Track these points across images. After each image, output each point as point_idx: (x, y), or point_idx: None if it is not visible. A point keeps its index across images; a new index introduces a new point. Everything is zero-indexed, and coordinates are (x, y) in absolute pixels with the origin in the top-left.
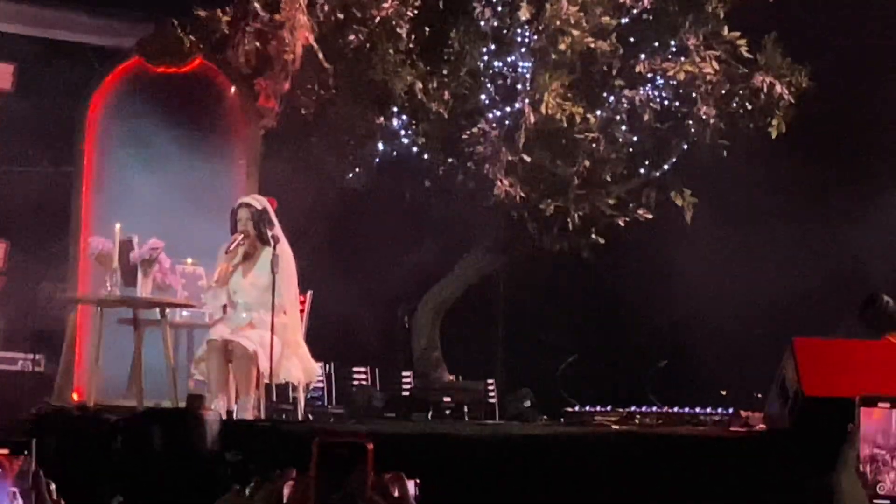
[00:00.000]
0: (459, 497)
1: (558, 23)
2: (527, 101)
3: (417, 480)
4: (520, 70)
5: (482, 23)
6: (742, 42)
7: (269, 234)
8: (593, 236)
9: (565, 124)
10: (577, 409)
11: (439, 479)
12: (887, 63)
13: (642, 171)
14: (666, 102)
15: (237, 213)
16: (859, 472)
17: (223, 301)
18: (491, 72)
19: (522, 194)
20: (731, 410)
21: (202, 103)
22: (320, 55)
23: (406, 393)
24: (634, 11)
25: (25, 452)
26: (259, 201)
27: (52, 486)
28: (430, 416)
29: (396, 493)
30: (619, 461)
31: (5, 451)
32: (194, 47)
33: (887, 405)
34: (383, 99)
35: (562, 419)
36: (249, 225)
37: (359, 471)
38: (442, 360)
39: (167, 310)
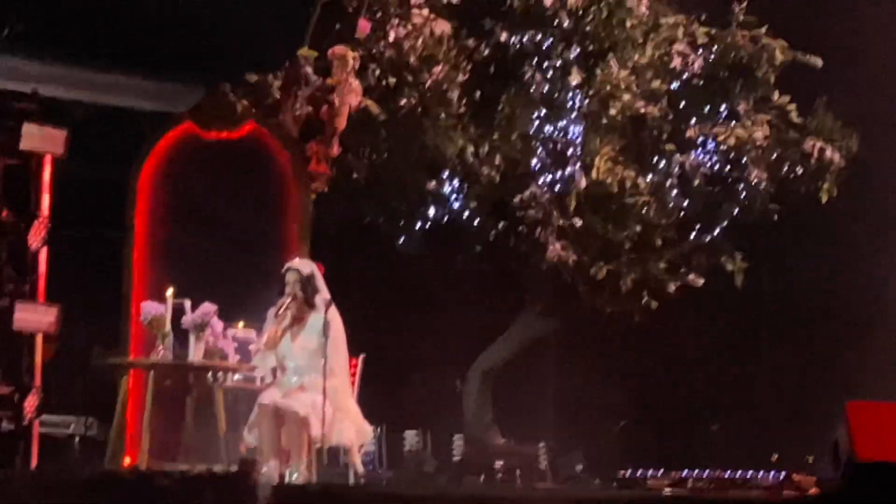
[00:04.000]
0: None
1: (609, 87)
2: (578, 165)
3: None
4: (570, 134)
5: (533, 87)
6: (792, 107)
7: (316, 298)
8: (645, 300)
9: (616, 188)
10: (629, 472)
11: None
12: None
13: (693, 235)
14: (716, 167)
15: (285, 276)
16: None
17: (272, 364)
18: (542, 136)
19: (574, 258)
20: (783, 475)
21: (254, 168)
22: (375, 109)
23: (458, 457)
24: (685, 76)
25: None
26: (307, 265)
27: None
28: (482, 480)
29: None
30: None
31: None
32: (246, 112)
33: None
34: (434, 163)
35: (614, 483)
36: (297, 288)
37: None
38: (494, 424)
39: (219, 374)
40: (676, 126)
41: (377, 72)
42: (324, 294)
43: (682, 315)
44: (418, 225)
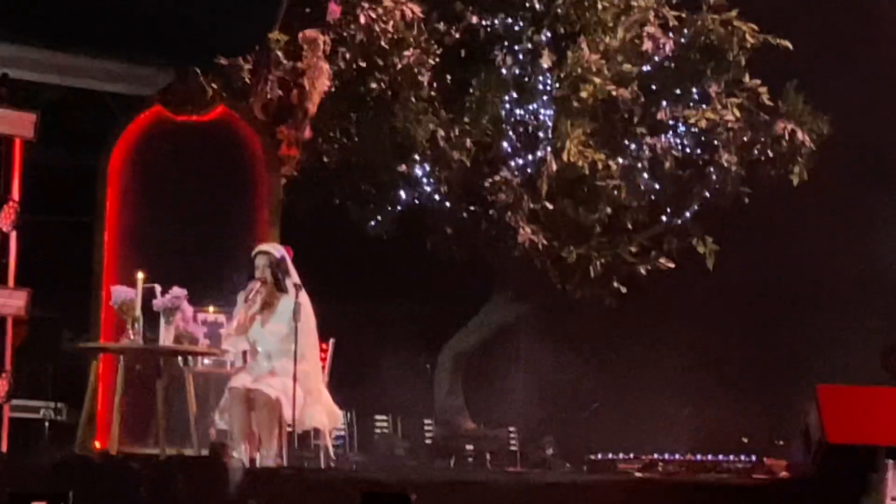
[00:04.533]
0: None
1: (580, 70)
2: (549, 148)
3: None
4: (541, 118)
5: (504, 70)
6: (763, 89)
7: (287, 282)
8: (615, 284)
9: (587, 172)
10: (600, 456)
11: None
12: None
13: (664, 218)
14: (687, 150)
15: (255, 260)
16: None
17: (243, 348)
18: (513, 119)
19: (544, 242)
20: (753, 458)
21: (224, 151)
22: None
23: (428, 441)
24: (656, 59)
25: None
26: (277, 249)
27: None
28: (452, 464)
29: None
30: None
31: None
32: (216, 95)
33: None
34: (405, 147)
35: (585, 467)
36: (267, 273)
37: None
38: (464, 408)
39: (189, 358)
40: (647, 109)
41: (347, 55)
42: (294, 278)
43: (652, 298)
44: (389, 209)
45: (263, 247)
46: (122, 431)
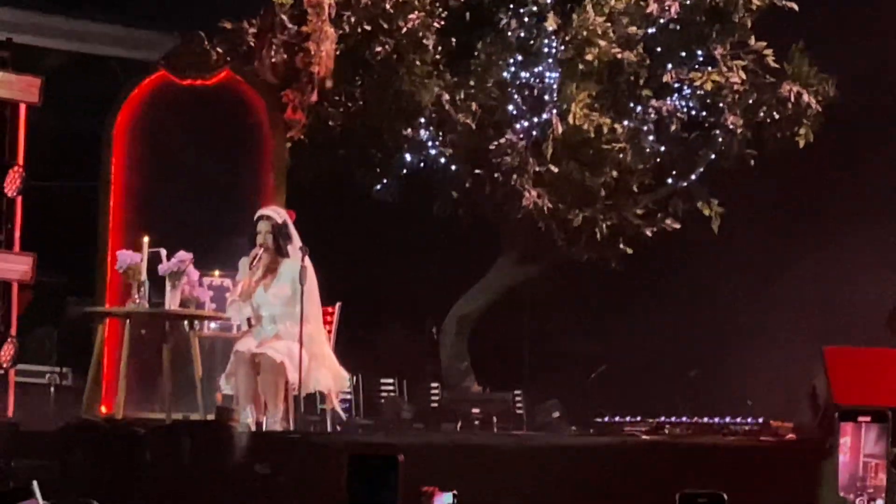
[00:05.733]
0: None
1: (585, 33)
2: (554, 111)
3: (455, 492)
4: (547, 80)
5: (509, 33)
6: (769, 52)
7: (289, 246)
8: (621, 246)
9: (592, 135)
10: (606, 419)
11: (471, 490)
12: None
13: (669, 181)
14: (693, 112)
15: (257, 225)
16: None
17: (247, 314)
18: (518, 82)
19: (550, 205)
20: (761, 420)
21: (229, 116)
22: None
23: (434, 404)
24: (661, 21)
25: None
26: (279, 214)
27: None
28: (458, 428)
29: None
30: (648, 471)
31: None
32: (221, 59)
33: (867, 418)
34: (410, 110)
35: (591, 430)
36: (269, 239)
37: (391, 482)
38: (470, 371)
39: (195, 322)
40: (653, 72)
41: (352, 19)
42: (297, 242)
43: (658, 261)
44: (394, 173)
45: (265, 210)
46: (127, 396)
